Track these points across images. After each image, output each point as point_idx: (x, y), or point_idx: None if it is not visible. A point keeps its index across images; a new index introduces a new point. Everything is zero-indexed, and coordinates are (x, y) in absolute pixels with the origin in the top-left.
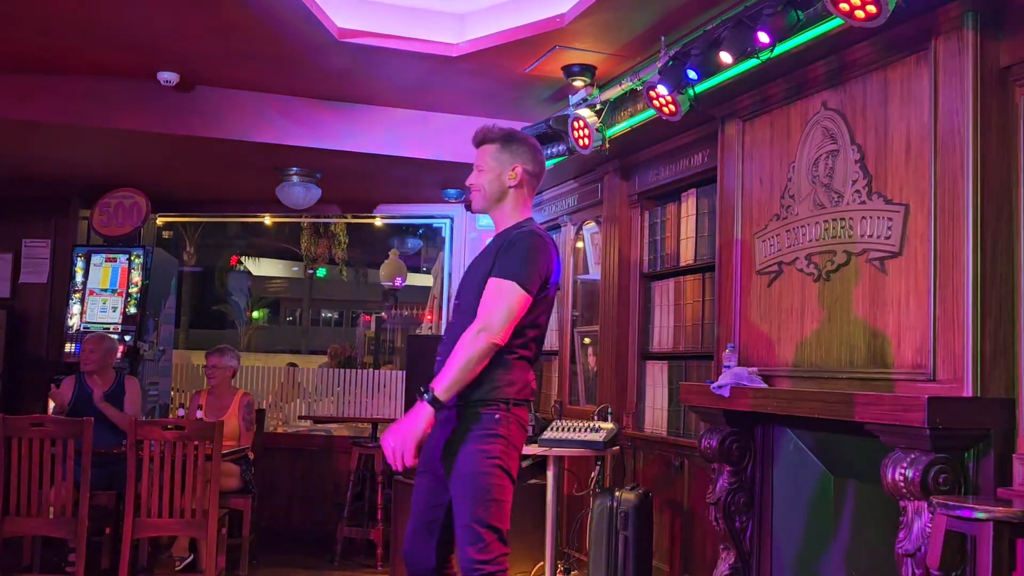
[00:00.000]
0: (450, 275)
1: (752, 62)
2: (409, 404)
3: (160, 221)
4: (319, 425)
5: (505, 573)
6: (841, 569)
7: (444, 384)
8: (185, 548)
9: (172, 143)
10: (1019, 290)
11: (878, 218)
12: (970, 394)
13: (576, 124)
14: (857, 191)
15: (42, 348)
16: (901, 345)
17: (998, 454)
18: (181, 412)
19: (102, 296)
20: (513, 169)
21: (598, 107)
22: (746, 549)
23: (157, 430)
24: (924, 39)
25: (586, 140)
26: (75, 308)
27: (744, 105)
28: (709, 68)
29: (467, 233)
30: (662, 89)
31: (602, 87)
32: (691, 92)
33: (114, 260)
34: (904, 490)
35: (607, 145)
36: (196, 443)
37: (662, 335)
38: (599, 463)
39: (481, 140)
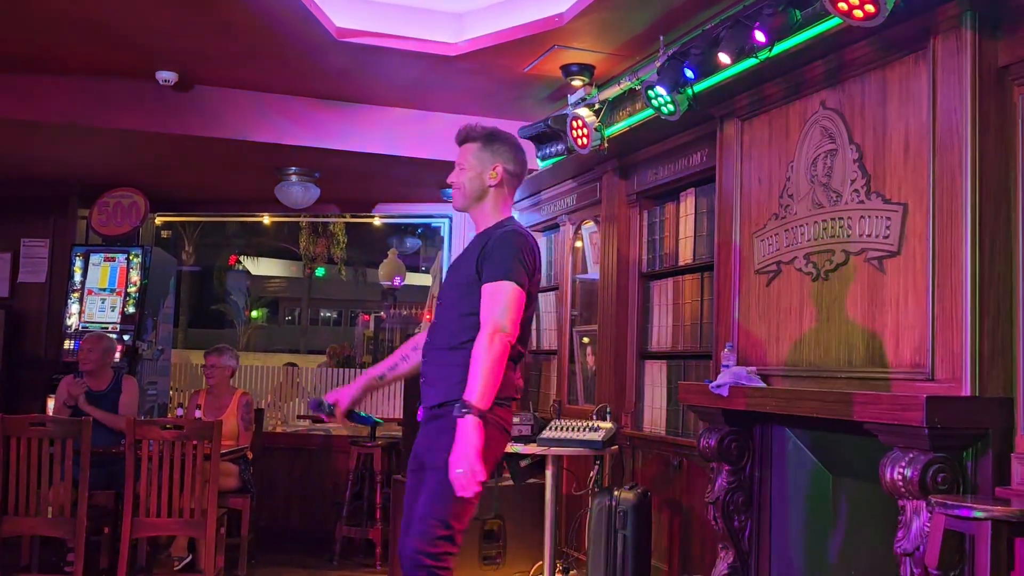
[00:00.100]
0: None
1: (751, 61)
2: (409, 404)
3: (159, 221)
4: (318, 425)
5: (448, 572)
6: (840, 568)
7: (477, 394)
8: (184, 548)
9: (171, 143)
10: (1017, 289)
11: (876, 217)
12: (968, 393)
13: (575, 123)
14: (855, 190)
15: (41, 348)
16: (899, 344)
17: (996, 453)
18: (180, 412)
19: (101, 295)
20: (494, 168)
21: (597, 106)
22: (745, 548)
23: (156, 430)
24: (922, 38)
25: (585, 139)
26: (74, 307)
27: (743, 104)
28: (708, 67)
29: (465, 232)
30: (661, 89)
31: (601, 86)
32: (690, 91)
33: (113, 260)
34: (903, 489)
35: (606, 144)
36: (195, 443)
37: (661, 334)
38: (598, 462)
39: (463, 138)
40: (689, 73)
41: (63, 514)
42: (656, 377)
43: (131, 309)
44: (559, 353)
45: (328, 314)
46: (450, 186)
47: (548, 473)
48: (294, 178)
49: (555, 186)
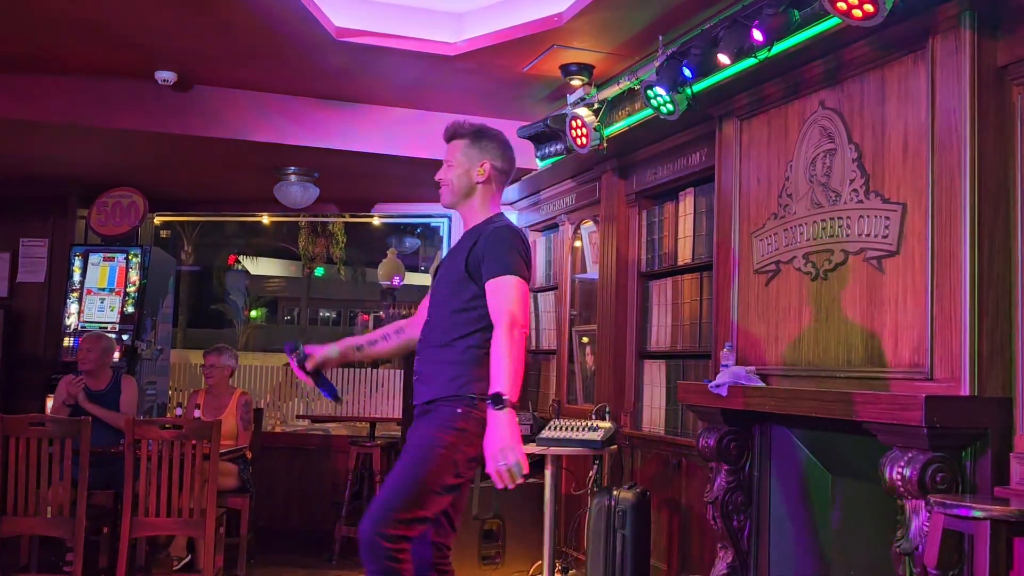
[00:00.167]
0: None
1: (750, 61)
2: (409, 404)
3: (158, 220)
4: (317, 424)
5: (403, 554)
6: (839, 568)
7: (507, 386)
8: (183, 547)
9: (170, 142)
10: (1016, 289)
11: (875, 217)
12: (967, 393)
13: (574, 123)
14: (854, 190)
15: (39, 347)
16: (898, 344)
17: (995, 453)
18: (179, 411)
19: (100, 295)
20: (482, 165)
21: (596, 106)
22: (744, 548)
23: (155, 429)
24: (921, 38)
25: (584, 139)
26: (73, 307)
27: (742, 104)
28: (707, 67)
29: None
30: (660, 88)
31: (600, 86)
32: (689, 91)
33: (112, 259)
34: (902, 489)
35: (605, 144)
36: (194, 442)
37: (660, 334)
38: (597, 462)
39: (451, 135)
40: (688, 73)
41: (62, 514)
42: (655, 377)
43: (130, 309)
44: (558, 353)
45: (327, 314)
46: (438, 184)
47: (547, 473)
48: (293, 178)
49: (554, 186)
